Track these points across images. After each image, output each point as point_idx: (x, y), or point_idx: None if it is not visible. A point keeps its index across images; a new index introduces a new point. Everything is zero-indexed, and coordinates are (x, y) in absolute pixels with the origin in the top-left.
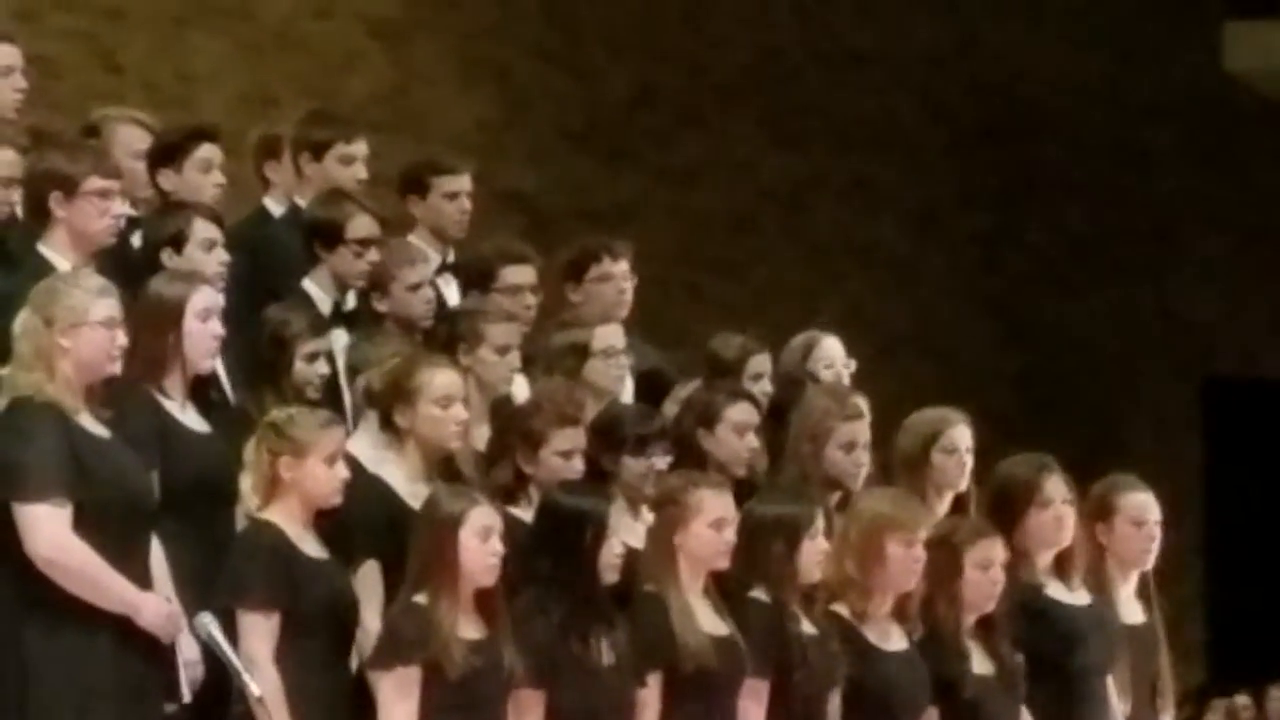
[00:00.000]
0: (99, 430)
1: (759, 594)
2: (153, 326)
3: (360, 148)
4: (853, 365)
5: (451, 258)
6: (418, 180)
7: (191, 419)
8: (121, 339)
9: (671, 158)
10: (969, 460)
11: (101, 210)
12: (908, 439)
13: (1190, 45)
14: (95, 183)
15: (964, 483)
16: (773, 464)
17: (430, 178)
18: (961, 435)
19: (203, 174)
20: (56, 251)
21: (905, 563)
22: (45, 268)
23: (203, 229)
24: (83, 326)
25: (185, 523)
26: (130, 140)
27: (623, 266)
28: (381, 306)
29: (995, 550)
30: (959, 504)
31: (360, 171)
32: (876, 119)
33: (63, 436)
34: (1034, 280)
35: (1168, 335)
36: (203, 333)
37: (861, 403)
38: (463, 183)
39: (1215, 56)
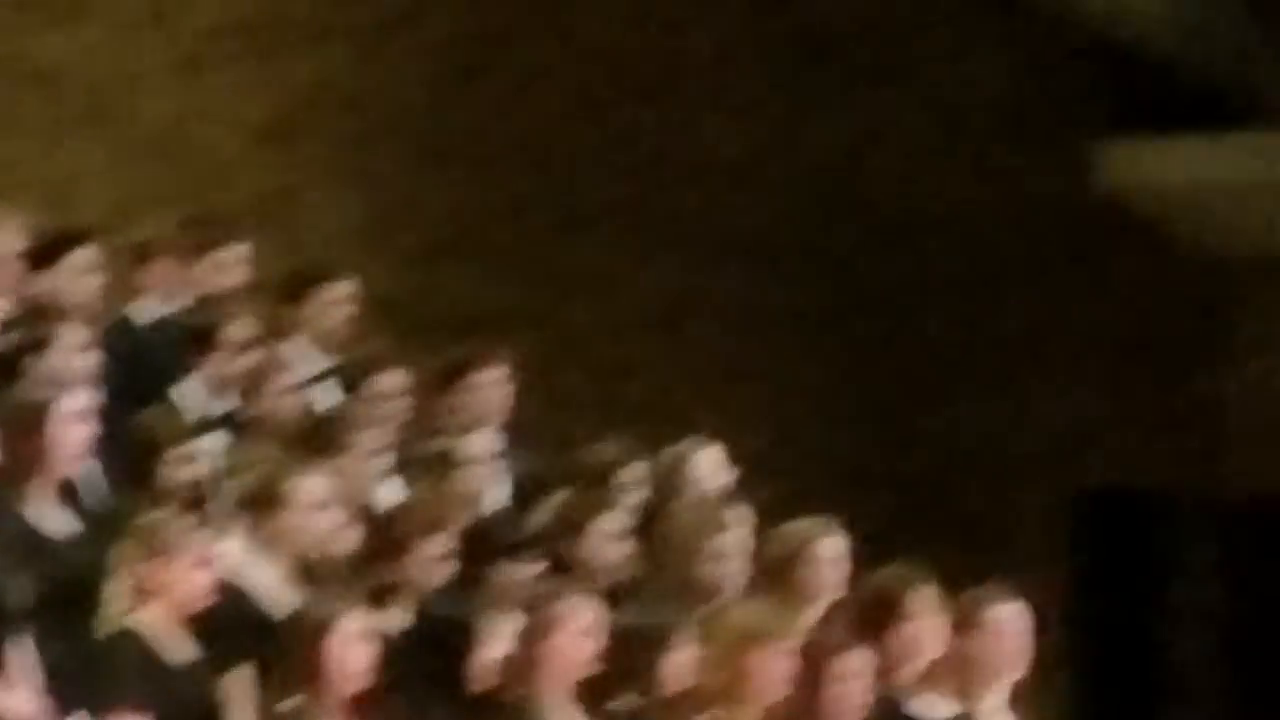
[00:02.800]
0: None
1: (625, 703)
2: (18, 430)
3: (240, 251)
4: (729, 476)
5: (331, 362)
6: (297, 288)
7: (57, 522)
8: None
9: (547, 267)
10: (838, 571)
11: None
12: (777, 549)
13: (1066, 162)
14: None
15: (832, 592)
16: (643, 572)
17: (311, 285)
18: (827, 547)
19: (78, 277)
20: None
21: (771, 674)
22: None
23: (71, 333)
24: None
25: (51, 628)
26: (3, 242)
27: (495, 374)
28: (252, 411)
29: (860, 661)
30: (829, 612)
31: (237, 276)
32: (750, 233)
33: None
34: (906, 391)
35: (1036, 446)
36: (69, 436)
37: (732, 514)
38: (343, 290)
39: (1087, 172)
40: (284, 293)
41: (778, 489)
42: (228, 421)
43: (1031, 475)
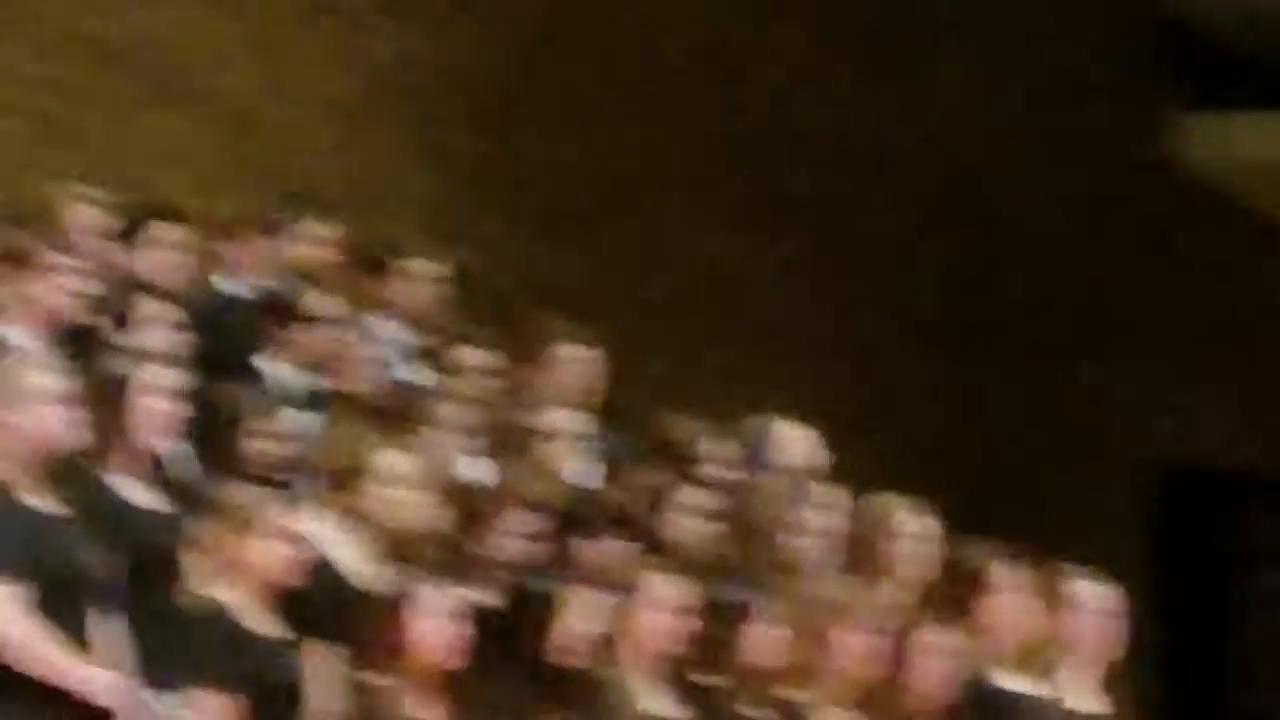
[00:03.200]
0: (49, 508)
1: (709, 678)
2: (103, 404)
3: (321, 227)
4: (814, 454)
5: (414, 339)
6: (383, 262)
7: (142, 496)
8: (69, 415)
9: (626, 243)
10: (922, 547)
11: (58, 287)
12: (861, 525)
13: (1144, 134)
14: (51, 259)
15: (917, 569)
16: (727, 548)
17: (398, 260)
18: (912, 522)
19: (160, 252)
20: (11, 327)
21: (855, 650)
22: (1, 344)
23: (156, 308)
24: (30, 403)
25: (136, 600)
26: (87, 217)
27: (582, 351)
28: (336, 385)
29: (944, 638)
30: (912, 591)
31: (321, 251)
32: (830, 207)
33: (12, 516)
34: (987, 370)
35: (1116, 424)
36: (153, 410)
37: (816, 490)
38: (429, 265)
39: (1168, 146)
40: (368, 268)
41: (860, 465)
42: (312, 397)
43: (1111, 453)
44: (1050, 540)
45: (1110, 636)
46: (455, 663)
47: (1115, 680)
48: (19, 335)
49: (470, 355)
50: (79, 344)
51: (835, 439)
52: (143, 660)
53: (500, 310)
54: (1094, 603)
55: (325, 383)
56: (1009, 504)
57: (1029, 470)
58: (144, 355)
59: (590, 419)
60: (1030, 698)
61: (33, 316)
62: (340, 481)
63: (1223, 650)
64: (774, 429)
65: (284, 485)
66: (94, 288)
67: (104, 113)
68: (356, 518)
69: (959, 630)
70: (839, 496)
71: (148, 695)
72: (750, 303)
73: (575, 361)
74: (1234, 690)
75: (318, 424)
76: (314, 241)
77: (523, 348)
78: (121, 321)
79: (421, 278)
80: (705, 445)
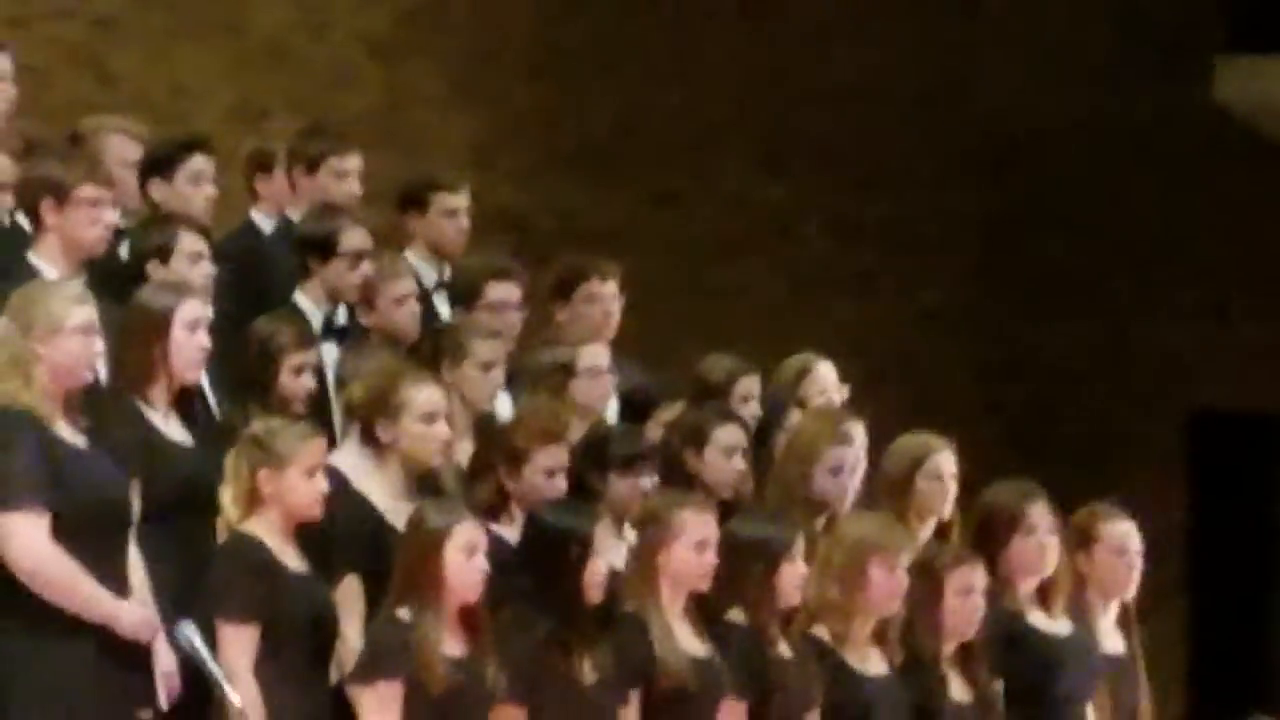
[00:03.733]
0: (76, 439)
1: (738, 616)
2: (139, 337)
3: (355, 162)
4: (845, 391)
5: (447, 275)
6: (417, 196)
7: (175, 430)
8: (98, 346)
9: (660, 183)
10: (953, 486)
11: (93, 219)
12: (892, 464)
13: (1181, 78)
14: (88, 191)
15: (947, 509)
16: (757, 486)
17: (429, 194)
18: (945, 461)
19: (194, 186)
20: (45, 260)
21: (887, 587)
22: (33, 276)
23: (190, 241)
24: (59, 334)
25: (166, 533)
26: (121, 150)
27: (611, 287)
28: (368, 320)
29: (976, 577)
30: (942, 531)
31: (354, 186)
32: (865, 149)
33: (39, 445)
34: (1019, 311)
35: (1152, 368)
36: (189, 344)
37: (852, 427)
38: (461, 200)
39: (1207, 90)
40: (400, 202)
41: (898, 407)
42: (344, 330)
43: (1147, 397)
44: (1084, 485)
45: (1134, 573)
46: (485, 599)
47: (1139, 621)
48: (54, 268)
49: (501, 288)
50: (114, 277)
51: (873, 381)
52: (173, 593)
53: (531, 248)
54: (1121, 540)
55: (360, 318)
56: (1041, 447)
57: (1063, 414)
58: (182, 289)
59: (619, 355)
60: (1059, 637)
61: (68, 249)
62: (372, 416)
63: (1267, 590)
64: (812, 368)
65: (318, 419)
66: (130, 221)
67: (139, 46)
68: (389, 452)
69: (989, 568)
70: (871, 435)
71: (177, 628)
72: (790, 244)
73: (608, 296)
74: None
75: (349, 357)
76: (348, 176)
77: (555, 281)
78: (155, 254)
79: (455, 210)
80: (742, 383)
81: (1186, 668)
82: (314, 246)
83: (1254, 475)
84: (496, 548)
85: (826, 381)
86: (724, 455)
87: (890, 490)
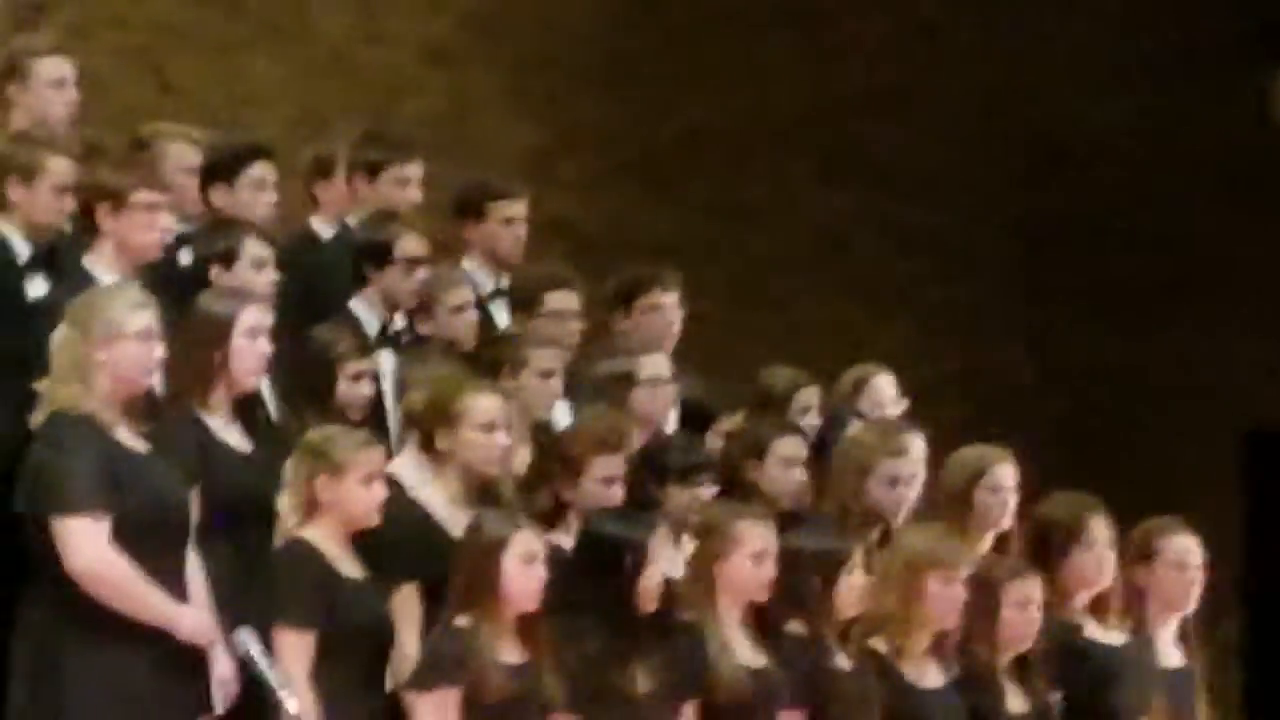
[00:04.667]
0: (136, 444)
1: (796, 627)
2: (200, 343)
3: (415, 170)
4: (903, 405)
5: (504, 283)
6: (474, 204)
7: (234, 437)
8: (158, 352)
9: (720, 193)
10: (1013, 498)
11: (149, 224)
12: (952, 476)
13: (1236, 93)
14: (143, 196)
15: (1006, 521)
16: (815, 498)
17: (487, 202)
18: (1005, 473)
19: (256, 192)
20: (102, 264)
21: (945, 600)
22: (89, 281)
23: (254, 247)
24: (119, 339)
25: (224, 539)
26: (181, 156)
27: (672, 298)
28: (426, 328)
29: (1034, 589)
30: (1001, 543)
31: (414, 194)
32: (924, 161)
33: (100, 450)
34: (1079, 324)
35: (1212, 383)
36: (250, 351)
37: (908, 439)
38: (519, 208)
39: (1261, 105)
40: (457, 209)
41: (952, 416)
42: (400, 337)
43: (1204, 412)
44: (1141, 498)
45: (1195, 589)
46: (542, 607)
47: (1196, 635)
48: (109, 273)
49: (560, 297)
50: (175, 283)
51: (933, 393)
52: (230, 599)
53: (591, 259)
54: (1181, 555)
55: (417, 325)
56: (1098, 460)
57: (1120, 427)
58: (244, 295)
59: (679, 365)
60: (1117, 649)
61: (127, 255)
62: (431, 424)
63: None
64: (870, 380)
65: (375, 427)
66: (190, 227)
67: (200, 53)
68: (446, 461)
69: (1047, 581)
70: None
71: (235, 634)
72: (849, 255)
73: (668, 306)
74: None
75: (410, 367)
76: (409, 183)
77: (616, 290)
78: (218, 259)
79: (513, 218)
80: (802, 395)
81: (1242, 684)
82: (369, 254)
83: None
84: (553, 557)
85: (885, 393)
86: (783, 466)
87: (950, 502)
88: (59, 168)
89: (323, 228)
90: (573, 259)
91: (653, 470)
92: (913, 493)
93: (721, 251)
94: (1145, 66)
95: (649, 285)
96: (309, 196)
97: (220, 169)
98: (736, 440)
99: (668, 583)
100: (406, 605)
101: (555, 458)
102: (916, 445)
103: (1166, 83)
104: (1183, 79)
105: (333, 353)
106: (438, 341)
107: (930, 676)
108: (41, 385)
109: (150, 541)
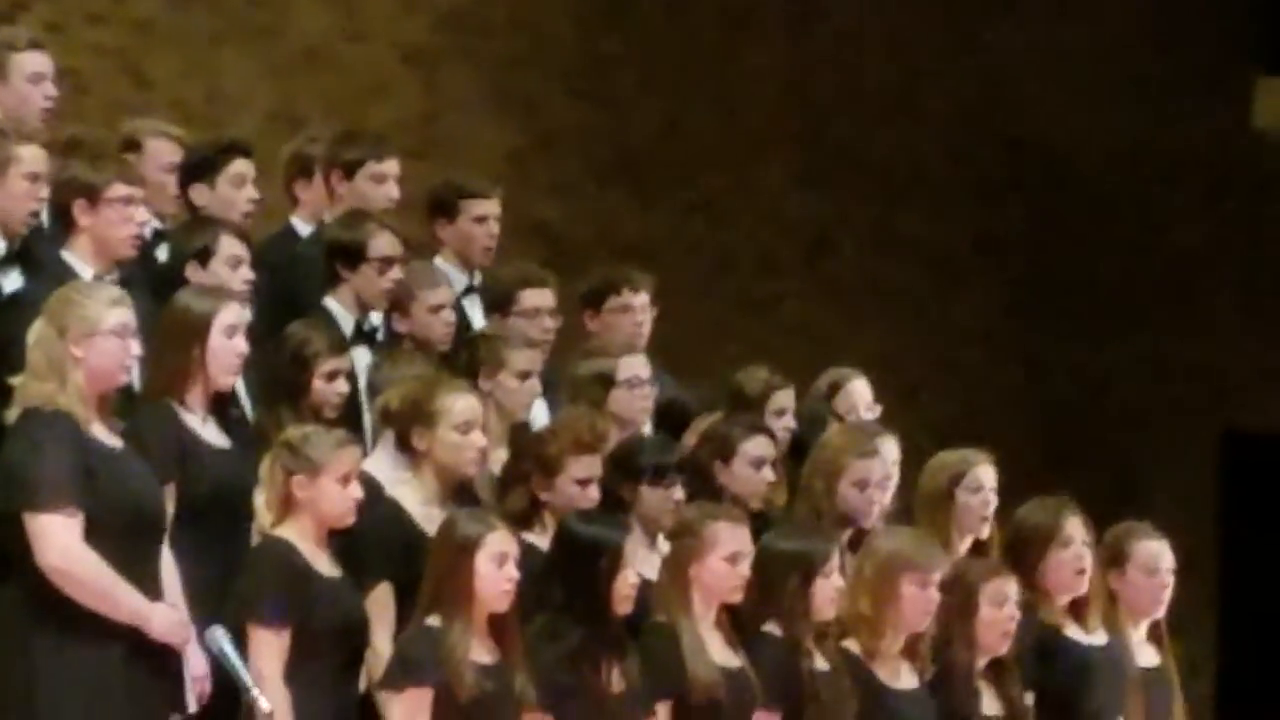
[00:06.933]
0: (111, 441)
1: (771, 629)
2: (177, 340)
3: (392, 167)
4: (878, 409)
5: (477, 280)
6: (447, 203)
7: (211, 434)
8: (134, 349)
9: (698, 194)
10: (993, 500)
11: (124, 218)
12: (931, 478)
13: (1220, 101)
14: (119, 190)
15: (986, 524)
16: (791, 500)
17: (459, 201)
18: (987, 475)
19: (235, 189)
20: (79, 259)
21: (920, 602)
22: (67, 275)
23: (230, 245)
24: (95, 336)
25: (200, 537)
26: (160, 153)
27: (642, 299)
28: (401, 327)
29: (1010, 588)
30: (978, 547)
31: (392, 191)
32: (903, 164)
33: (74, 447)
34: (1056, 328)
35: (1188, 386)
36: (227, 349)
37: (879, 442)
38: (491, 207)
39: (1245, 113)
40: (429, 208)
41: (931, 422)
42: (375, 335)
43: (1183, 415)
44: (1117, 501)
45: (1164, 594)
46: (515, 608)
47: (1170, 639)
48: (90, 270)
49: (534, 296)
50: (153, 280)
51: (906, 395)
52: (204, 596)
53: (567, 259)
54: (1150, 560)
55: (393, 324)
56: (1075, 463)
57: (1097, 430)
58: (221, 294)
59: (654, 365)
60: (1095, 649)
61: (100, 249)
62: (407, 423)
63: None
64: (845, 383)
65: (349, 425)
66: (167, 224)
67: (178, 51)
68: (423, 460)
69: (1027, 586)
70: (906, 449)
71: (209, 631)
72: (827, 257)
73: (642, 307)
74: None
75: (386, 366)
76: (386, 180)
77: (591, 290)
78: (194, 257)
79: (486, 217)
80: (778, 396)
81: (1217, 685)
82: (343, 253)
83: None
84: (528, 557)
85: (860, 397)
86: (751, 467)
87: (929, 505)
88: (30, 155)
89: (302, 226)
90: (549, 260)
91: (626, 471)
92: (885, 496)
93: (699, 253)
94: (1127, 74)
95: (618, 286)
96: (290, 195)
97: (200, 166)
98: (704, 441)
99: (643, 584)
100: (380, 604)
101: (531, 457)
102: (888, 448)
103: (1148, 89)
104: (1164, 86)
105: (308, 351)
106: (412, 340)
107: (904, 678)
108: (16, 380)
109: (124, 539)
